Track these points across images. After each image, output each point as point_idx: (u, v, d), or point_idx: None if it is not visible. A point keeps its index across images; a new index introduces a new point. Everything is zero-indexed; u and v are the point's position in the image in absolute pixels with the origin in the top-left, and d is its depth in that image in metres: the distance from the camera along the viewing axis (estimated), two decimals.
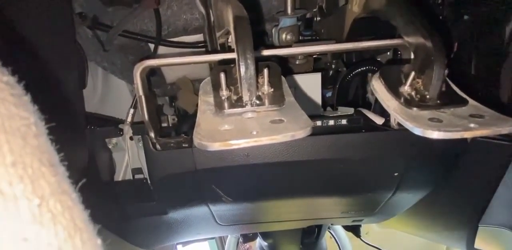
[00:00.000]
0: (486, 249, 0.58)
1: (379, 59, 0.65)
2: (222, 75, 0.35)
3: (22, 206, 0.13)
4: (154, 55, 0.65)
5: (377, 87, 0.39)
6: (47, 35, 0.45)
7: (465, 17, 0.51)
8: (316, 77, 0.58)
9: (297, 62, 0.61)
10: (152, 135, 0.50)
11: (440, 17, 0.56)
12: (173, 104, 0.79)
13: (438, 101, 0.36)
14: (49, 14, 0.45)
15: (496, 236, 0.54)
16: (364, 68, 0.62)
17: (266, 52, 0.43)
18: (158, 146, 0.52)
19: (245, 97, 0.34)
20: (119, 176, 0.66)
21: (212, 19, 0.51)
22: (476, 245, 0.59)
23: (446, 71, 0.36)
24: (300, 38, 0.65)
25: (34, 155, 0.15)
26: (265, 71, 0.35)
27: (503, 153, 0.51)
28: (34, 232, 0.13)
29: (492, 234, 0.55)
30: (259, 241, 1.16)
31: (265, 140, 0.29)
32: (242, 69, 0.33)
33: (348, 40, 0.54)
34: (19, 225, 0.13)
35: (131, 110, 0.59)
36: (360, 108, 0.57)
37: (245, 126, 0.31)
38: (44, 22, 0.44)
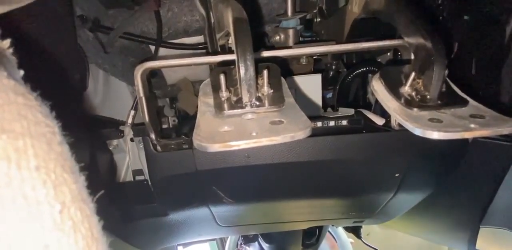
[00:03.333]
0: None
1: (379, 60, 0.65)
2: (222, 77, 0.35)
3: (44, 211, 0.13)
4: (154, 57, 0.65)
5: (378, 88, 0.39)
6: (49, 38, 0.45)
7: (465, 17, 0.51)
8: (317, 78, 0.59)
9: (297, 64, 0.62)
10: (152, 136, 0.50)
11: (440, 18, 0.56)
12: (174, 105, 0.79)
13: (439, 102, 0.36)
14: (50, 17, 0.45)
15: (498, 237, 0.54)
16: (365, 69, 0.62)
17: (266, 54, 0.43)
18: (158, 147, 0.52)
19: (245, 99, 0.34)
20: (120, 178, 0.66)
21: (212, 20, 0.51)
22: (477, 246, 0.58)
23: (446, 71, 0.36)
24: (300, 39, 0.65)
25: (58, 161, 0.15)
26: (265, 72, 0.35)
27: (504, 154, 0.51)
28: (55, 239, 0.13)
29: (493, 235, 0.54)
30: (259, 241, 1.16)
31: (264, 141, 0.29)
32: (242, 71, 0.33)
33: (348, 41, 0.54)
34: (41, 230, 0.13)
35: (132, 112, 0.59)
36: (360, 109, 0.56)
37: (244, 127, 0.31)
38: (46, 25, 0.44)
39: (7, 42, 0.17)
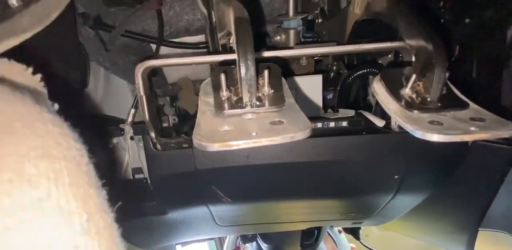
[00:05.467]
0: None
1: (380, 61, 0.65)
2: (223, 76, 0.35)
3: (75, 220, 0.17)
4: (155, 55, 0.65)
5: (378, 90, 0.39)
6: (50, 35, 0.45)
7: (466, 20, 0.51)
8: (317, 79, 0.59)
9: (298, 64, 0.62)
10: (152, 134, 0.50)
11: (442, 20, 0.56)
12: (174, 104, 0.79)
13: (439, 104, 0.36)
14: None
15: (496, 240, 0.54)
16: (365, 70, 0.62)
17: (267, 54, 0.43)
18: (158, 146, 0.52)
19: (245, 99, 0.34)
20: (119, 176, 0.66)
21: (214, 20, 0.51)
22: (476, 249, 0.58)
23: (447, 74, 0.36)
24: (302, 40, 0.65)
25: (85, 178, 0.18)
26: (266, 72, 0.35)
27: (503, 157, 0.51)
28: (83, 242, 0.17)
29: (492, 238, 0.54)
30: (257, 241, 1.16)
31: (264, 141, 0.29)
32: (243, 70, 0.33)
33: (350, 42, 0.54)
34: (72, 235, 0.17)
35: (132, 110, 0.59)
36: (361, 111, 0.56)
37: (244, 127, 0.31)
38: None
39: (38, 77, 0.21)
